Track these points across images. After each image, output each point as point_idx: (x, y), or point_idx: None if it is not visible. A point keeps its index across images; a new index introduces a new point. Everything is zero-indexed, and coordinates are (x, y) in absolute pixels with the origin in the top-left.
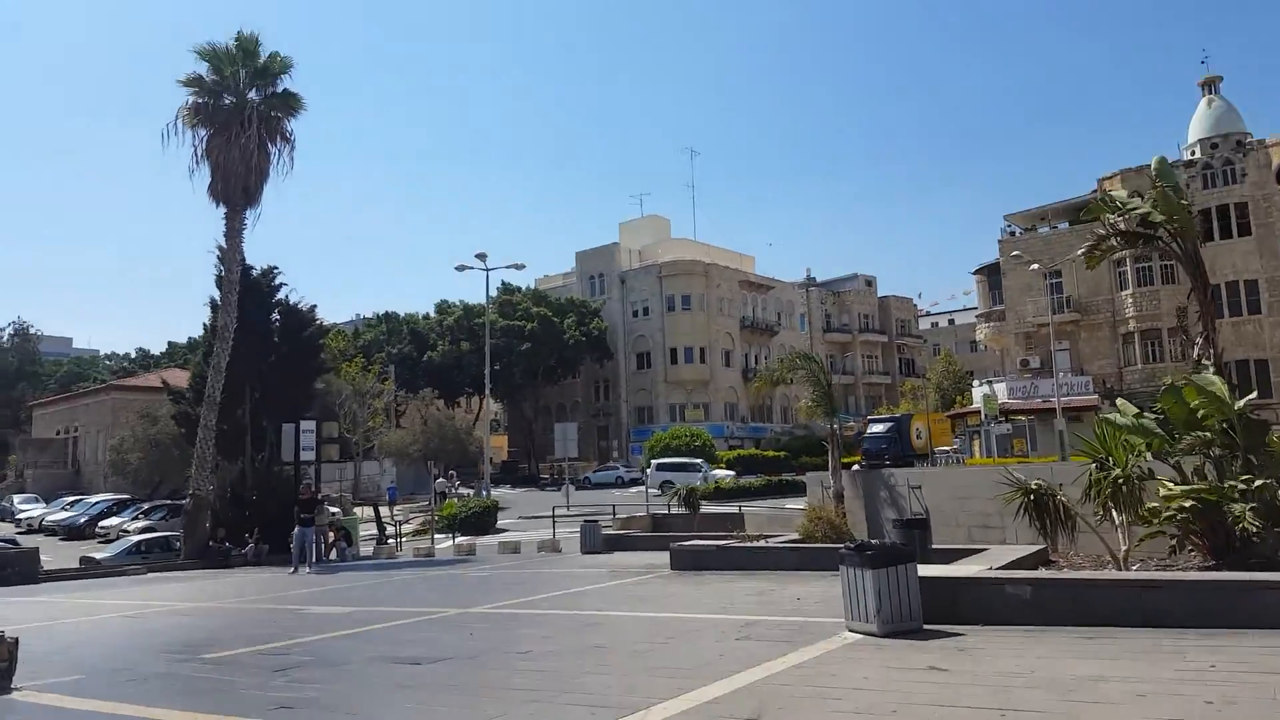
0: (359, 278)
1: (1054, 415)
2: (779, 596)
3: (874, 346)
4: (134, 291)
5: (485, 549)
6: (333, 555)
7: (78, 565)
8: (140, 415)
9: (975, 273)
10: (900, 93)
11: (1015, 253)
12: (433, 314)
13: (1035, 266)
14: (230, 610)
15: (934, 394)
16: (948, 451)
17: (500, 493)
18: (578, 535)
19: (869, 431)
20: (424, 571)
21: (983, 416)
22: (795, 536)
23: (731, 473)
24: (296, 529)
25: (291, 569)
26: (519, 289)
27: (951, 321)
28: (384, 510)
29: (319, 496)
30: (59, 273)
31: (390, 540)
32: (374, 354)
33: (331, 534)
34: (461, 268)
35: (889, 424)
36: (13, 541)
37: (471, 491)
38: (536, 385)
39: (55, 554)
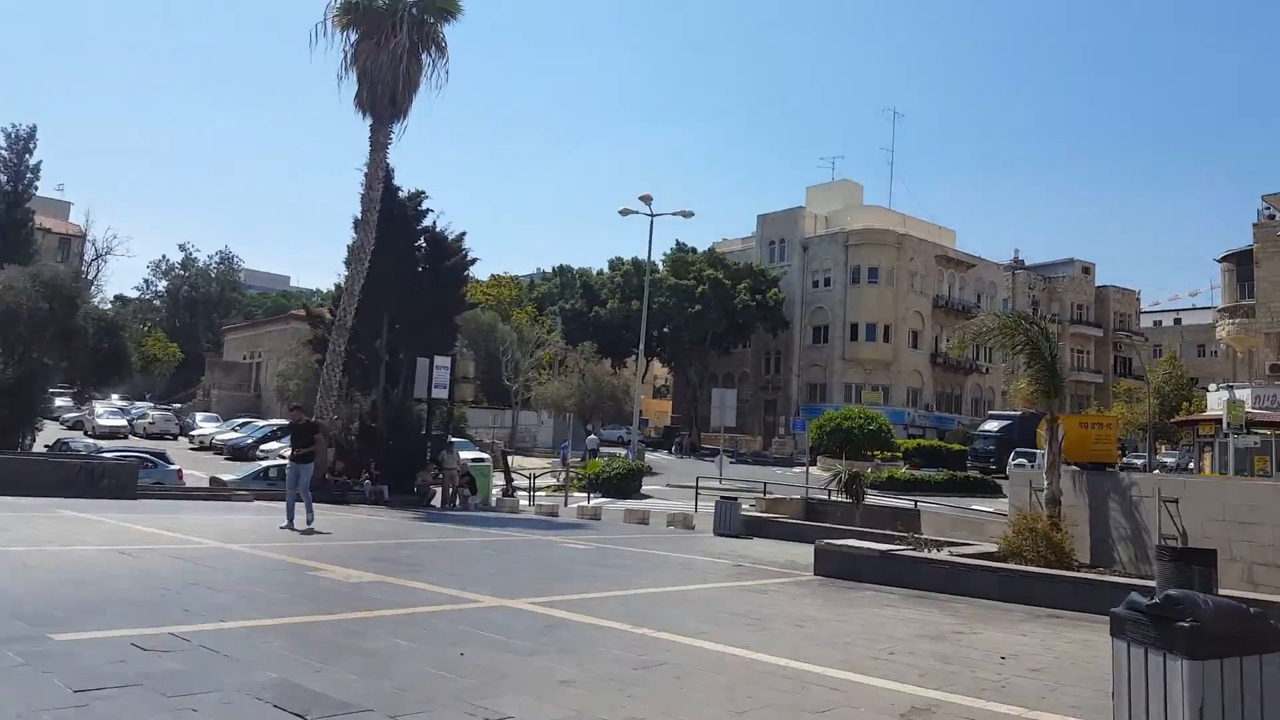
0: (527, 229)
1: None
2: (969, 651)
3: (1086, 340)
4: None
5: (613, 515)
6: (456, 503)
7: (208, 485)
8: (303, 343)
9: (1221, 260)
10: (1133, 63)
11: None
12: (606, 270)
13: None
14: (236, 561)
15: (1152, 398)
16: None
17: (656, 457)
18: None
19: (979, 429)
20: (523, 534)
21: (1224, 425)
22: (990, 548)
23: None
24: (289, 465)
25: (302, 523)
26: (693, 249)
27: (1178, 320)
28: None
29: (451, 440)
30: (274, 212)
31: (516, 493)
32: (546, 307)
33: (457, 480)
34: (625, 212)
35: (1004, 423)
36: (158, 456)
37: (624, 453)
38: (704, 351)
39: (213, 471)
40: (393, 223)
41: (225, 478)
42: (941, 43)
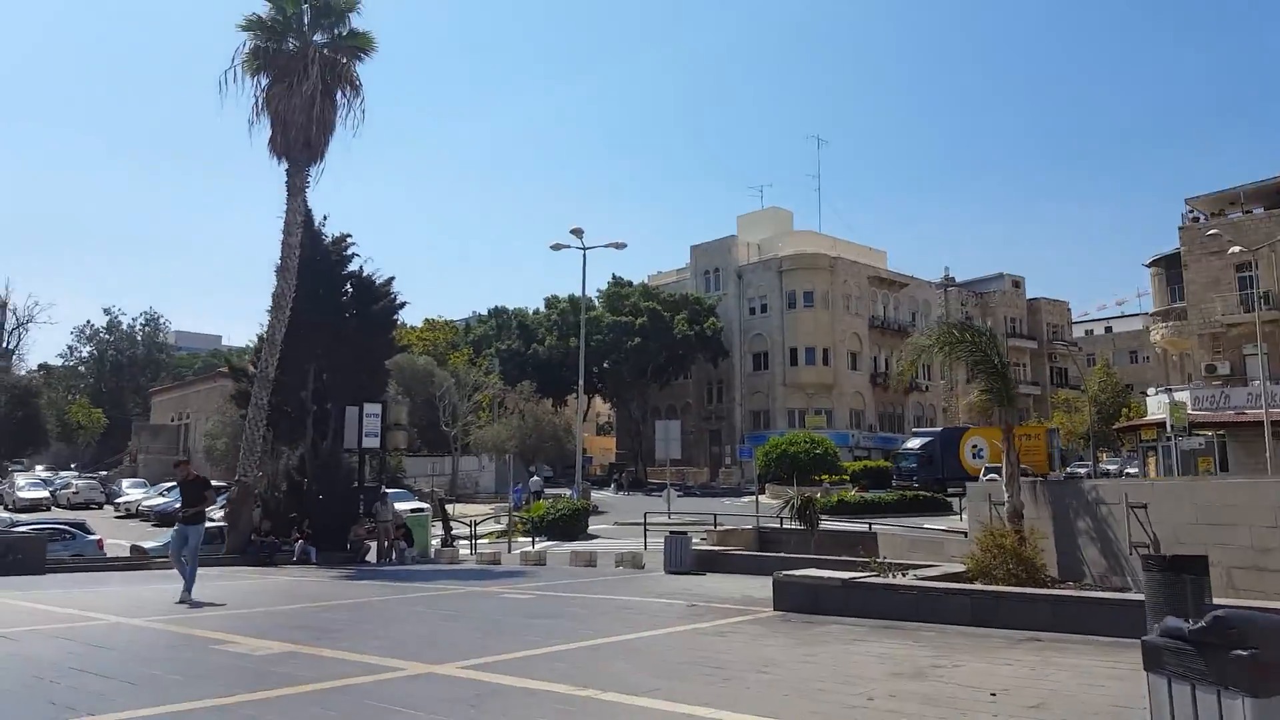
0: (461, 272)
1: (1248, 429)
2: (955, 689)
3: (1022, 353)
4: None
5: (559, 559)
6: (391, 556)
7: (128, 554)
8: (227, 399)
9: (1150, 264)
10: (1048, 77)
11: (1211, 233)
12: (542, 309)
13: (1236, 250)
14: (133, 638)
15: (1090, 406)
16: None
17: (602, 495)
18: None
19: (903, 448)
20: (461, 585)
21: (1168, 428)
22: (955, 569)
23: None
24: (175, 528)
25: (182, 593)
26: (629, 283)
27: (1108, 329)
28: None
29: (384, 491)
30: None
31: (455, 542)
32: (483, 349)
33: (392, 533)
34: (557, 246)
35: (926, 440)
36: (77, 527)
37: (569, 493)
38: (645, 385)
39: (138, 538)
40: (317, 268)
41: (146, 545)
42: (860, 69)
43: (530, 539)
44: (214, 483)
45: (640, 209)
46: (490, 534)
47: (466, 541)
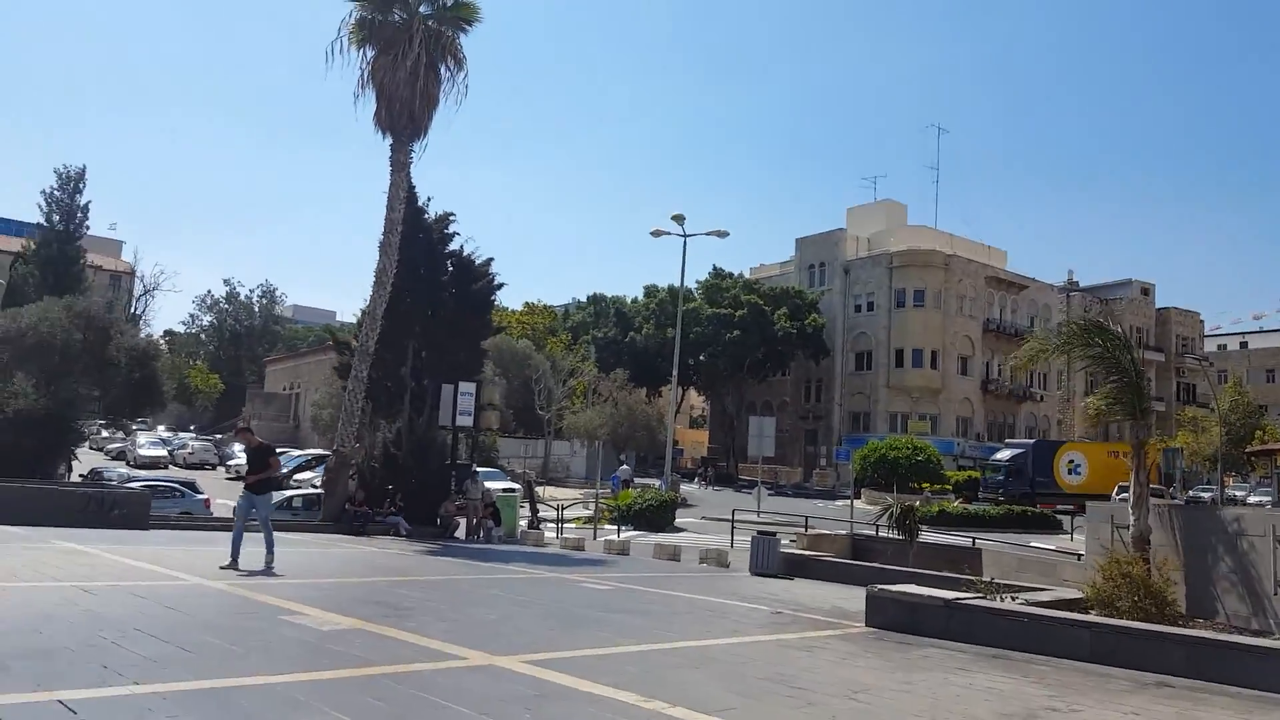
0: (562, 259)
1: None
2: None
3: (1147, 365)
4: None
5: (642, 550)
6: (479, 534)
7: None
8: (332, 370)
9: None
10: (1192, 76)
11: None
12: (640, 298)
13: None
14: (206, 602)
15: (1218, 426)
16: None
17: (691, 489)
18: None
19: (992, 459)
20: (541, 570)
21: None
22: (1069, 594)
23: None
24: (240, 495)
25: (259, 562)
26: (730, 275)
27: (1244, 344)
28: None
29: (474, 469)
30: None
31: (542, 525)
32: (581, 336)
33: (481, 511)
34: (657, 233)
35: (1016, 451)
36: (187, 486)
37: (657, 483)
38: (742, 379)
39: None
40: (418, 246)
41: None
42: (985, 55)
43: (615, 527)
44: (316, 452)
45: (746, 200)
46: (577, 519)
47: (553, 525)
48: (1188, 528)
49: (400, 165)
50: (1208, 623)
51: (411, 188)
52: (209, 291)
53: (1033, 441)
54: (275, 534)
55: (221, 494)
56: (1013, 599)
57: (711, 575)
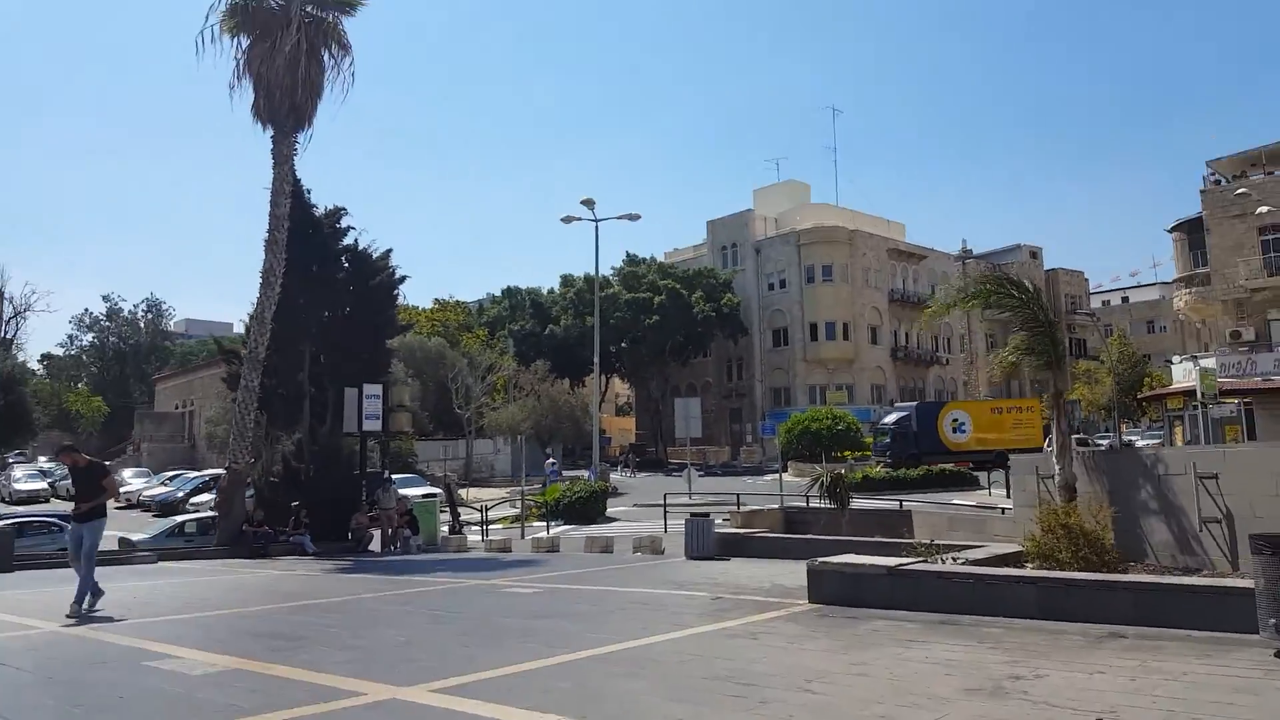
0: (472, 254)
1: (1275, 396)
2: (1043, 709)
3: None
4: None
5: (573, 545)
6: (395, 545)
7: (115, 547)
8: (220, 381)
9: (1172, 230)
10: (1064, 40)
11: (1239, 192)
12: (556, 288)
13: (1264, 209)
14: (56, 651)
15: (1109, 377)
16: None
17: (621, 477)
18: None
19: (880, 422)
20: (462, 578)
21: (1198, 395)
22: (1005, 549)
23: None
24: (69, 527)
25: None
26: (644, 260)
27: (1125, 299)
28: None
29: (386, 477)
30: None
31: (464, 529)
32: (498, 331)
33: (396, 520)
34: (569, 219)
35: (901, 414)
36: (64, 519)
37: (586, 474)
38: (664, 363)
39: (137, 529)
40: (309, 242)
41: (135, 537)
42: (875, 38)
43: (545, 524)
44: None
45: (655, 185)
46: (504, 519)
47: (478, 527)
48: (1111, 472)
49: (283, 158)
50: (1140, 565)
51: (297, 181)
52: (86, 310)
53: (915, 404)
54: (178, 563)
55: (113, 526)
56: (953, 560)
57: (646, 564)
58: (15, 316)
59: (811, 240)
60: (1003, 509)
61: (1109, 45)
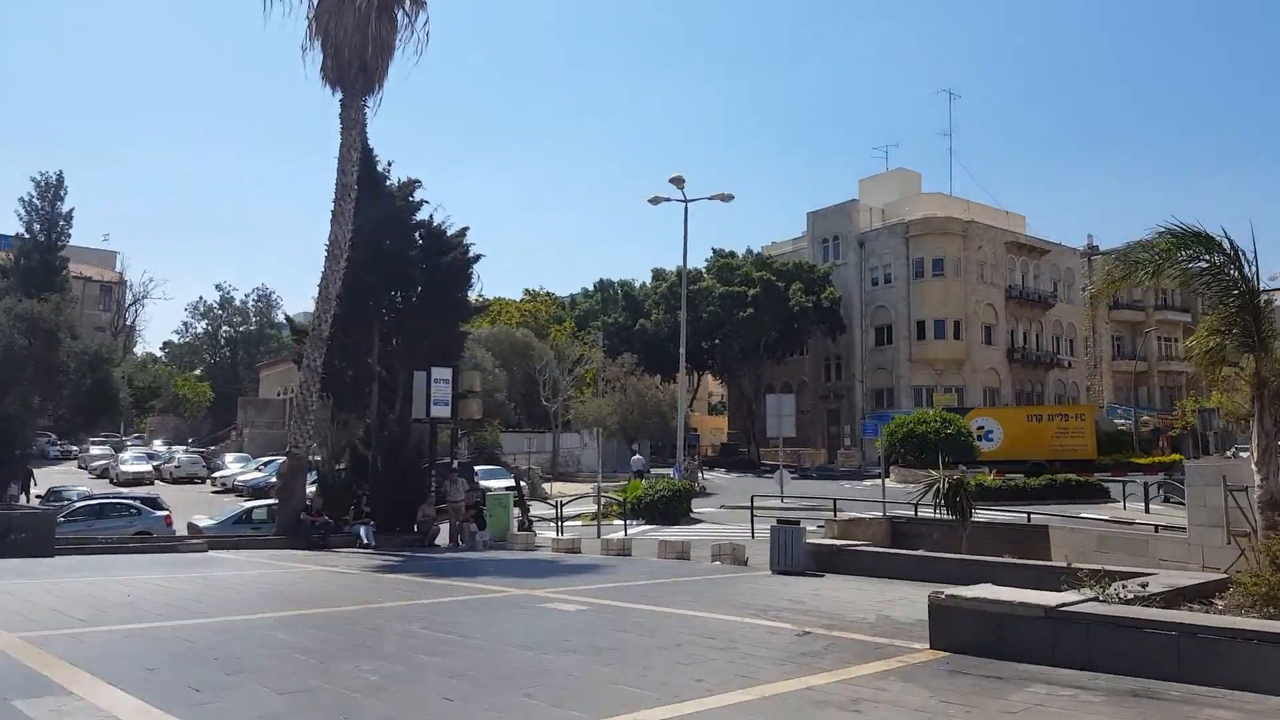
0: (566, 250)
1: None
2: None
3: (1173, 327)
4: None
5: (646, 548)
6: (459, 540)
7: (184, 533)
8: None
9: None
10: (1212, 29)
11: None
12: (649, 282)
13: None
14: None
15: (1247, 385)
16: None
17: (712, 476)
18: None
19: None
20: (503, 586)
21: None
22: (1185, 581)
23: None
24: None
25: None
26: (733, 254)
27: (1270, 302)
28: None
29: (454, 467)
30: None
31: (534, 525)
32: (589, 324)
33: (463, 513)
34: (656, 200)
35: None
36: (148, 502)
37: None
38: (758, 360)
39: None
40: (381, 216)
41: (202, 523)
42: (995, 16)
43: (623, 522)
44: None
45: (753, 177)
46: (583, 516)
47: (551, 523)
48: None
49: (352, 122)
50: None
51: (368, 149)
52: (200, 298)
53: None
54: (228, 552)
55: (202, 508)
56: (1128, 593)
57: (724, 577)
58: (134, 303)
59: (921, 231)
60: (1156, 527)
61: (1253, 34)
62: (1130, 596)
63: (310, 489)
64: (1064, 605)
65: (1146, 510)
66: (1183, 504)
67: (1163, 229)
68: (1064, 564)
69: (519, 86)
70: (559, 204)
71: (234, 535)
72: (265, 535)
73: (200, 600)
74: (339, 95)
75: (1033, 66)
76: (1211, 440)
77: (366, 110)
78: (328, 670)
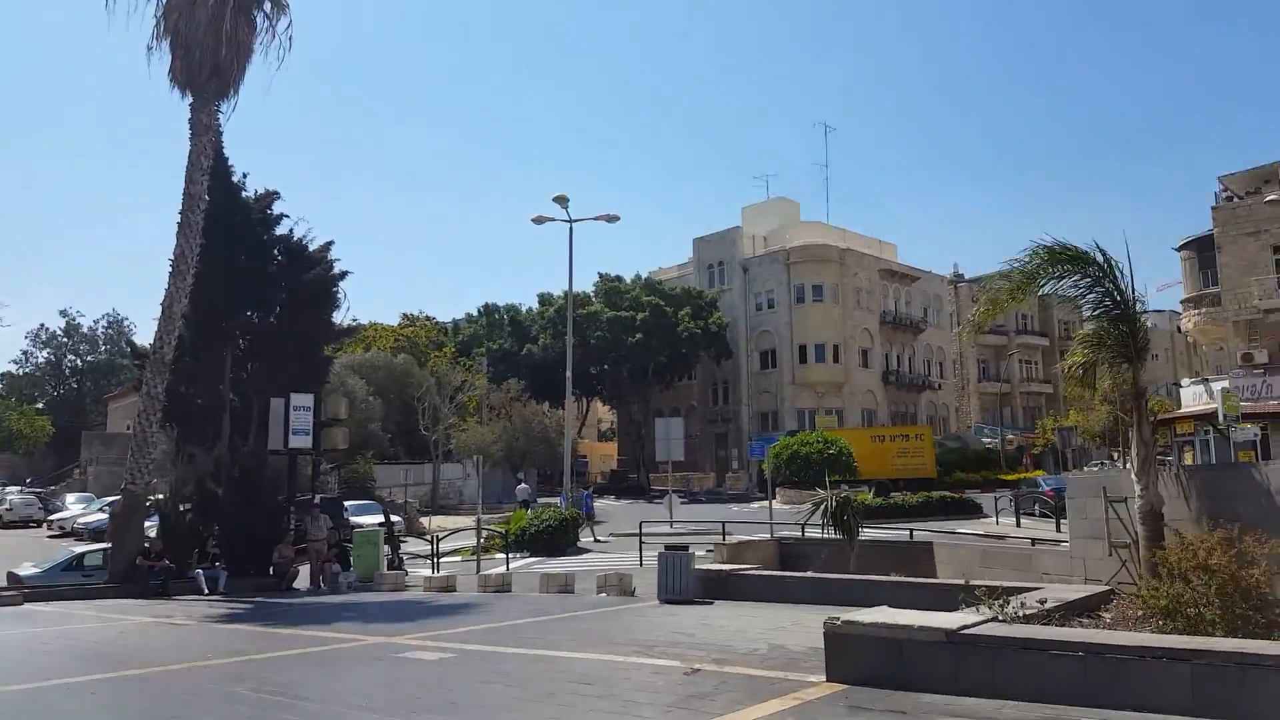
0: (449, 273)
1: None
2: None
3: (1033, 350)
4: None
5: (527, 583)
6: (321, 583)
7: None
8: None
9: (1180, 248)
10: (1066, 66)
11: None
12: (535, 306)
13: None
14: None
15: (1102, 405)
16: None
17: (602, 504)
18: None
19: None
20: (360, 634)
21: (1220, 419)
22: (1072, 595)
23: None
24: None
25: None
26: (619, 278)
27: (1143, 313)
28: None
29: (315, 502)
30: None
31: (404, 563)
32: (473, 349)
33: (325, 553)
34: (540, 219)
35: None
36: None
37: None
38: (647, 386)
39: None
40: (234, 229)
41: (23, 572)
42: (869, 53)
43: (505, 555)
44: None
45: (638, 202)
46: (463, 550)
47: (427, 560)
48: (1211, 493)
49: (203, 128)
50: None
51: (223, 158)
52: (42, 325)
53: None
54: (49, 605)
55: (35, 555)
56: (1037, 608)
57: (609, 610)
58: None
59: (801, 259)
60: (1033, 540)
61: (1112, 60)
62: (1028, 613)
63: (152, 530)
64: (965, 628)
65: (1018, 524)
66: (1037, 515)
67: (1036, 245)
68: (957, 580)
69: (399, 104)
70: (440, 228)
71: (60, 584)
72: (97, 584)
73: None
74: (189, 99)
75: (902, 99)
76: (1070, 456)
77: (220, 115)
78: None
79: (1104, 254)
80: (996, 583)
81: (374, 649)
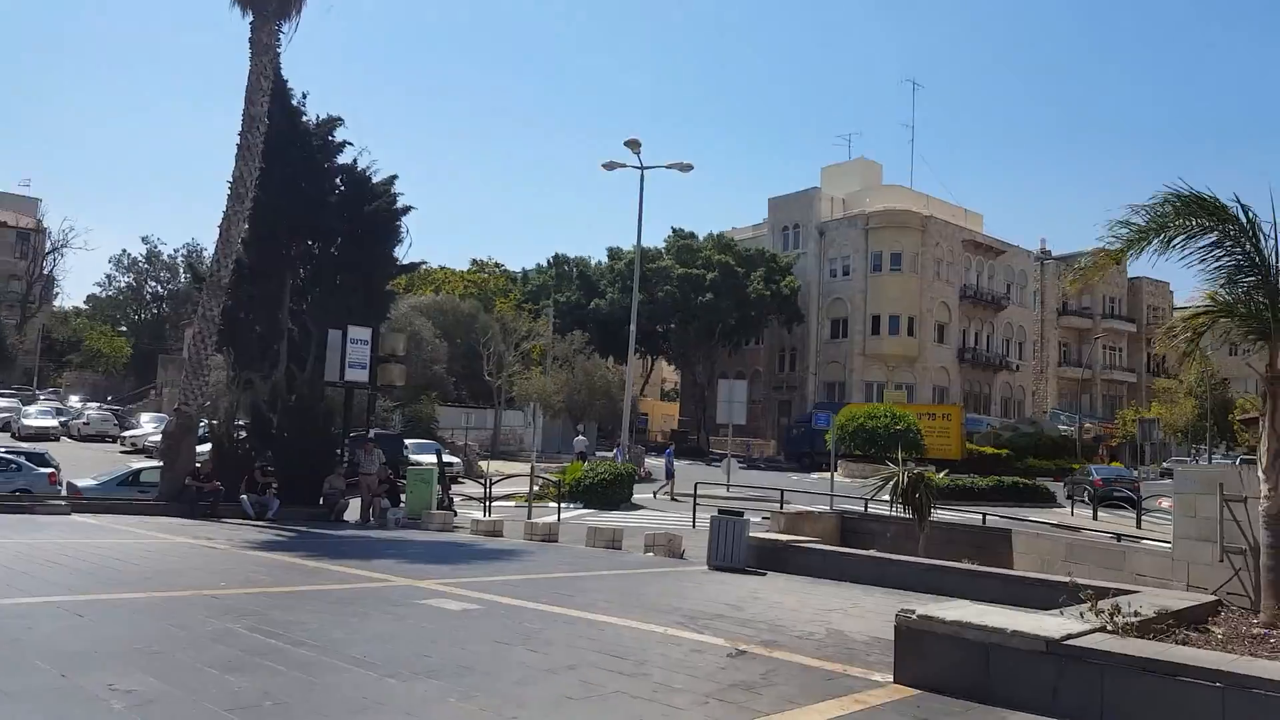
0: (522, 223)
1: None
2: None
3: (1119, 336)
4: None
5: (574, 535)
6: (370, 517)
7: (62, 495)
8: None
9: None
10: (1173, 43)
11: None
12: (604, 260)
13: None
14: None
15: (1186, 398)
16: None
17: (657, 462)
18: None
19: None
20: (392, 574)
21: None
22: (1183, 604)
23: None
24: None
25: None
26: (692, 234)
27: None
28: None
29: (369, 436)
30: None
31: (454, 504)
32: (541, 300)
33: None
34: (611, 165)
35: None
36: (33, 458)
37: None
38: (713, 347)
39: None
40: (296, 156)
41: (82, 483)
42: (964, 9)
43: (558, 504)
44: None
45: (715, 162)
46: (517, 496)
47: (479, 504)
48: None
49: (263, 47)
50: None
51: (281, 79)
52: (124, 251)
53: (816, 402)
54: (97, 517)
55: (105, 468)
56: (1147, 617)
57: (654, 572)
58: (53, 252)
59: (881, 224)
60: (1118, 535)
61: (1218, 46)
62: (1136, 623)
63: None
64: (1070, 637)
65: (1094, 516)
66: (1086, 503)
67: (1167, 192)
68: (1042, 575)
69: (475, 54)
70: (513, 178)
71: (113, 498)
72: (148, 500)
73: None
74: (249, 18)
75: (998, 61)
76: (1149, 450)
77: (282, 36)
78: (57, 689)
79: (1246, 211)
80: (1089, 582)
81: (399, 592)
